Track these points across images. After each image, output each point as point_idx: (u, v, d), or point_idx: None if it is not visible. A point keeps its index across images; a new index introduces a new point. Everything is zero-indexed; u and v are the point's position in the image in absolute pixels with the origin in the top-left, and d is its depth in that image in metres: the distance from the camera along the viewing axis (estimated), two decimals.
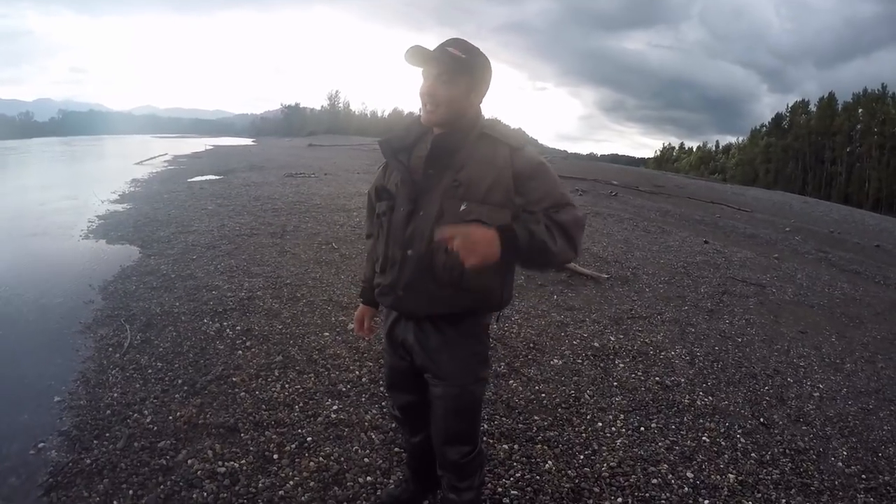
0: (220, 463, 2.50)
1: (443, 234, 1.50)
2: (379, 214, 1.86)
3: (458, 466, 1.88)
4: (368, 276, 2.03)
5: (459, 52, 1.67)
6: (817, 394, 3.83)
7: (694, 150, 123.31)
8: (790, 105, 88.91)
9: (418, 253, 1.69)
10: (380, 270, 1.84)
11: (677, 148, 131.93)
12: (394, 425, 2.74)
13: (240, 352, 3.65)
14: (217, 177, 14.47)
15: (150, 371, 3.34)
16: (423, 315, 1.77)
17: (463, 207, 1.63)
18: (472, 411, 1.88)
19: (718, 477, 2.69)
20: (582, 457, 2.74)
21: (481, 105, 1.79)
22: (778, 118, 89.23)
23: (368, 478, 2.45)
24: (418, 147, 1.80)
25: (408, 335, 1.83)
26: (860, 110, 74.81)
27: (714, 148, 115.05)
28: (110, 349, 3.65)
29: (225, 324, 4.07)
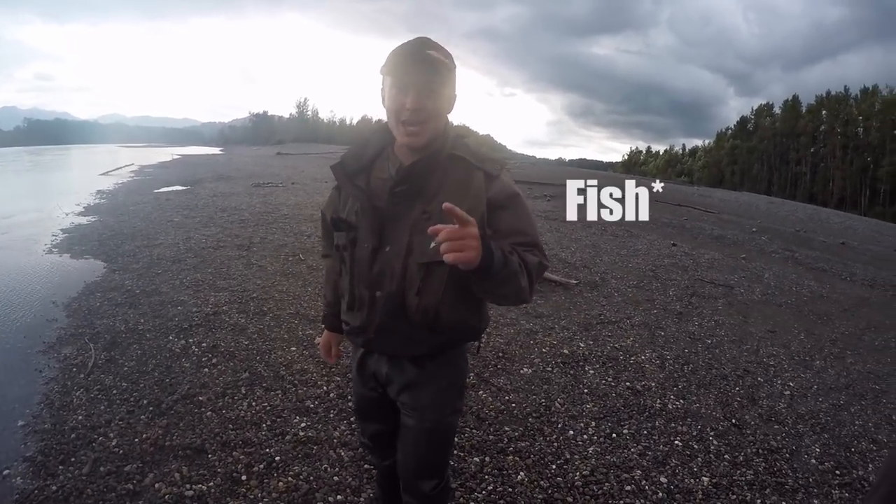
0: (187, 486, 2.43)
1: (434, 230, 1.23)
2: (338, 246, 1.62)
3: (428, 498, 1.78)
4: (331, 301, 1.87)
5: (443, 56, 1.43)
6: (788, 392, 3.88)
7: (661, 153, 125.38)
8: (755, 108, 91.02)
9: (388, 293, 1.51)
10: (346, 308, 1.64)
11: (645, 152, 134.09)
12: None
13: (206, 369, 3.57)
14: (184, 187, 14.30)
15: (115, 392, 3.26)
16: (401, 356, 1.63)
17: (433, 245, 1.32)
18: (447, 444, 1.78)
19: (692, 481, 2.70)
20: (554, 466, 2.73)
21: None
22: (743, 121, 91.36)
23: (339, 497, 2.41)
24: (378, 167, 1.58)
25: (381, 368, 1.68)
26: (824, 112, 76.88)
27: (681, 151, 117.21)
28: (74, 369, 3.54)
29: (191, 340, 3.99)
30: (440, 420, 1.68)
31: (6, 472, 2.51)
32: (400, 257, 1.48)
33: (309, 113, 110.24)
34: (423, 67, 1.40)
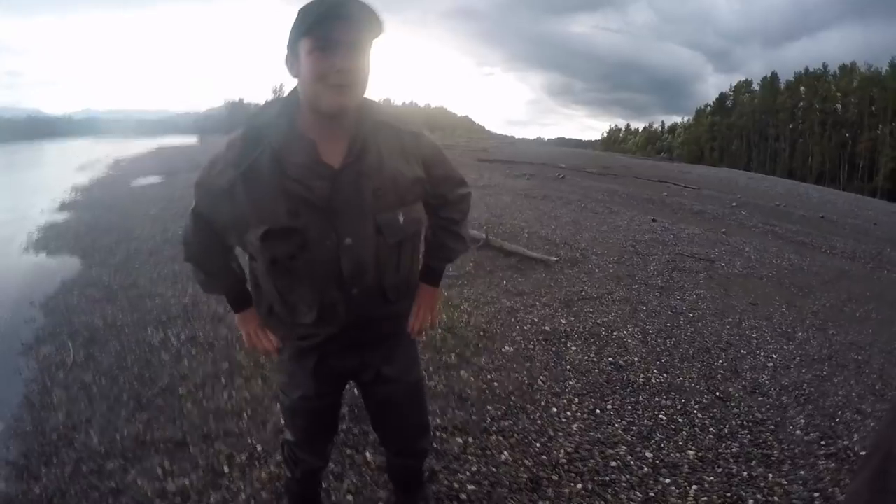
0: (169, 480, 2.40)
1: (414, 332, 1.66)
2: (277, 259, 1.36)
3: (425, 452, 1.91)
4: (238, 275, 1.65)
5: (367, 11, 1.22)
6: (771, 364, 3.89)
7: (640, 130, 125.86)
8: (733, 85, 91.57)
9: (366, 287, 1.41)
10: (314, 321, 1.43)
11: (624, 129, 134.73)
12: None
13: (185, 361, 3.54)
14: (160, 179, 14.14)
15: (94, 389, 3.22)
16: (382, 338, 1.59)
17: (402, 219, 1.39)
18: (424, 395, 1.82)
19: (678, 454, 2.70)
20: (538, 445, 2.71)
21: None
22: (722, 98, 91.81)
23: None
24: (290, 151, 1.31)
25: (348, 362, 1.58)
26: (802, 88, 77.56)
27: (660, 128, 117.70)
28: (54, 368, 3.51)
29: (169, 332, 3.96)
30: (418, 375, 1.74)
31: None
32: (369, 246, 1.37)
33: None
34: (354, 22, 1.21)
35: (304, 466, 1.81)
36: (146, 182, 13.58)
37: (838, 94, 73.79)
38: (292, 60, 1.29)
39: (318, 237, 1.33)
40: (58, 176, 17.52)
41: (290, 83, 1.34)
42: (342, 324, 1.44)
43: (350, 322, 1.45)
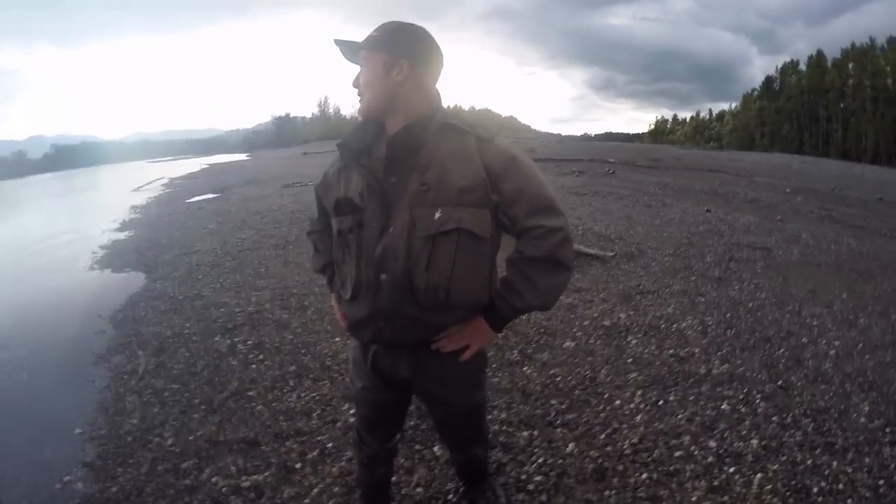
0: (243, 478, 2.51)
1: (443, 347, 1.55)
2: (340, 231, 1.57)
3: (477, 458, 2.04)
4: (326, 256, 1.81)
5: (373, 31, 1.52)
6: (833, 352, 3.79)
7: (688, 120, 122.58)
8: (779, 66, 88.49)
9: (394, 276, 1.45)
10: (350, 297, 1.56)
11: (671, 120, 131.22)
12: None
13: (253, 366, 3.67)
14: (215, 195, 14.50)
15: (166, 394, 3.36)
16: (412, 343, 1.57)
17: (438, 215, 1.42)
18: (483, 413, 1.93)
19: (742, 443, 2.68)
20: (603, 436, 2.74)
21: (431, 91, 1.56)
22: (768, 81, 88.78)
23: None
24: (375, 148, 1.55)
25: (399, 368, 1.62)
26: (850, 65, 74.41)
27: (708, 116, 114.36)
28: (126, 376, 3.67)
29: (236, 339, 4.09)
30: (473, 402, 1.79)
31: (67, 478, 2.63)
32: (403, 236, 1.44)
33: (331, 111, 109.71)
34: (353, 47, 1.55)
35: (368, 451, 1.91)
36: (201, 198, 13.95)
37: (888, 68, 70.42)
38: None
39: (371, 218, 1.49)
40: (116, 196, 18.17)
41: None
42: (370, 308, 1.51)
43: (377, 310, 1.50)
